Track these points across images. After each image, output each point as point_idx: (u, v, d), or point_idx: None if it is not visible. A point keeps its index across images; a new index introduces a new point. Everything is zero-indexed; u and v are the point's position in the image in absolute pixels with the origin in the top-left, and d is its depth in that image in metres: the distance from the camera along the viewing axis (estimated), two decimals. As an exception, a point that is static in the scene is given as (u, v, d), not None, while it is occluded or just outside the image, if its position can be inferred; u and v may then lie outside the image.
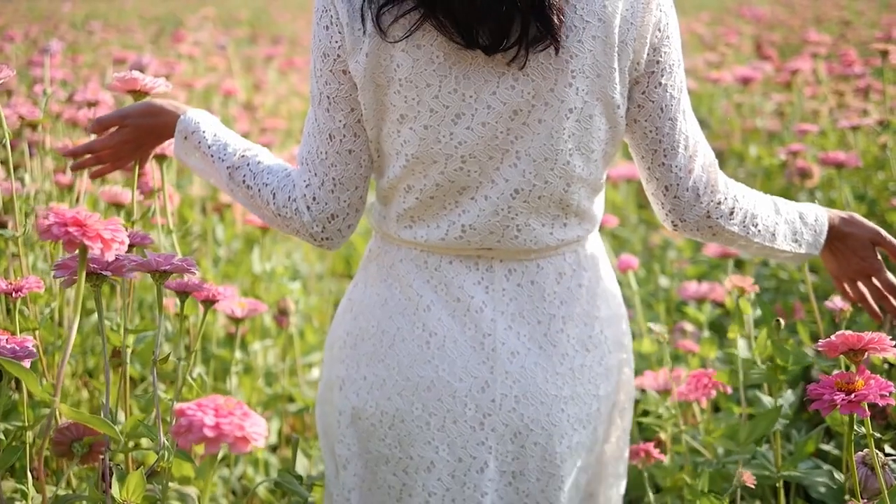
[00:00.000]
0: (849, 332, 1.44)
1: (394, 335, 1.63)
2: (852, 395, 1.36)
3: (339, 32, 1.51)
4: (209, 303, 1.77)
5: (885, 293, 1.75)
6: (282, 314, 2.29)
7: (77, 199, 2.35)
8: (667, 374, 1.99)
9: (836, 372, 1.58)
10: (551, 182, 1.54)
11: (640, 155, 1.61)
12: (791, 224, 1.69)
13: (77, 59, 5.44)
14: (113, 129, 1.74)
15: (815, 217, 1.71)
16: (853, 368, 1.48)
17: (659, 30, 1.52)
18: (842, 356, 1.58)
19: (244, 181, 1.64)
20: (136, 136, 1.73)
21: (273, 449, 2.73)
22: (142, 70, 3.69)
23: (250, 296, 2.76)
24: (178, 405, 1.08)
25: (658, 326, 1.77)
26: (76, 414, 1.29)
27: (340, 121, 1.55)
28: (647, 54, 1.52)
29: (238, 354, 2.70)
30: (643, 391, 2.19)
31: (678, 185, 1.59)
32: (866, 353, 1.45)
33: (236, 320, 2.23)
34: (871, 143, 3.63)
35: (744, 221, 1.64)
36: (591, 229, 1.65)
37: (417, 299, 1.62)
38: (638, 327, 2.59)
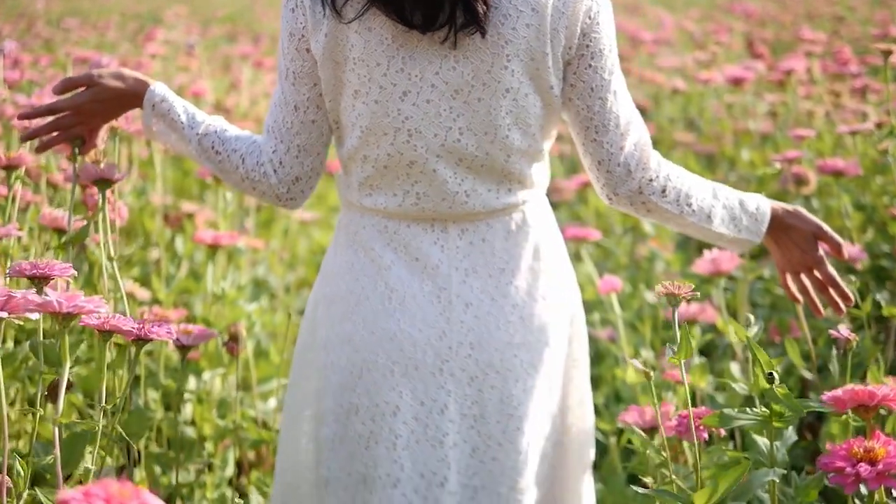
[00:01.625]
0: (859, 387, 1.25)
1: (359, 294, 1.77)
2: (879, 466, 1.15)
3: (303, 15, 1.69)
4: (141, 342, 1.58)
5: (826, 285, 1.86)
6: (232, 340, 2.09)
7: (8, 217, 2.16)
8: (653, 412, 1.80)
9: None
10: (492, 154, 1.70)
11: (575, 131, 1.76)
12: (730, 210, 1.80)
13: (45, 58, 5.21)
14: (80, 90, 1.82)
15: (756, 206, 1.82)
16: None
17: (589, 17, 1.68)
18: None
19: (213, 147, 1.81)
20: (104, 97, 1.81)
21: (229, 481, 2.54)
22: (101, 71, 3.49)
23: (210, 315, 2.55)
24: (62, 493, 0.89)
25: (638, 362, 1.57)
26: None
27: (304, 94, 1.73)
28: (578, 39, 1.68)
29: (192, 381, 2.50)
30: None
31: (609, 160, 1.74)
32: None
33: (183, 348, 2.04)
34: (868, 146, 3.44)
35: (678, 200, 1.76)
36: (537, 192, 1.79)
37: (379, 261, 1.76)
38: (622, 351, 2.41)
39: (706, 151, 4.41)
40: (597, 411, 2.34)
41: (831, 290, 1.87)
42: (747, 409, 1.70)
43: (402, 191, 1.73)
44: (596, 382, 2.80)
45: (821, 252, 1.86)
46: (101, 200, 1.92)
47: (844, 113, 3.81)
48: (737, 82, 3.88)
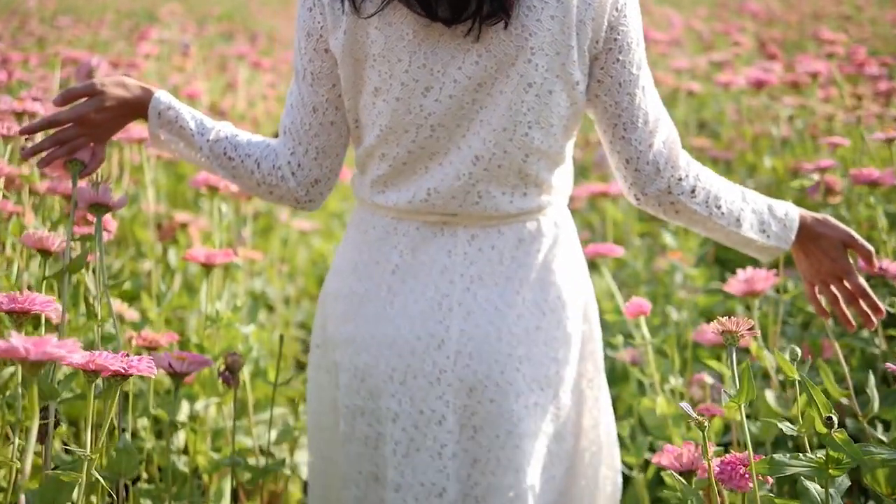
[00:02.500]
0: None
1: (362, 296, 1.74)
2: None
3: (321, 13, 1.64)
4: (120, 378, 1.41)
5: (856, 296, 1.80)
6: (228, 371, 1.92)
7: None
8: (691, 454, 1.63)
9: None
10: (510, 152, 1.65)
11: (602, 129, 1.71)
12: (759, 214, 1.75)
13: (34, 58, 5.03)
14: (81, 101, 1.74)
15: (784, 212, 1.77)
16: None
17: (616, 9, 1.63)
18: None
19: (225, 153, 1.76)
20: (107, 106, 1.74)
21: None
22: (91, 73, 3.31)
23: (204, 339, 2.38)
24: None
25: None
26: None
27: (323, 95, 1.69)
28: (605, 32, 1.63)
29: (185, 407, 2.33)
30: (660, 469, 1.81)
31: (638, 158, 1.69)
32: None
33: (176, 376, 1.86)
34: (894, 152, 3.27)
35: (706, 201, 1.72)
36: (553, 200, 1.73)
37: (385, 263, 1.72)
38: (650, 378, 2.24)
39: (721, 157, 4.23)
40: (621, 443, 2.17)
41: (861, 302, 1.81)
42: (800, 455, 1.55)
43: (415, 186, 1.68)
44: (618, 409, 2.63)
45: (850, 261, 1.80)
46: (96, 227, 1.75)
47: (867, 117, 3.64)
48: (758, 85, 3.70)
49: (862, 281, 1.80)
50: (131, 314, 2.28)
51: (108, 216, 2.24)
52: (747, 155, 4.12)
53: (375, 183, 1.72)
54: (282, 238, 3.77)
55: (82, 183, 1.78)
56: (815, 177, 2.32)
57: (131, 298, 3.07)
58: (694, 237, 3.21)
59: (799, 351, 1.70)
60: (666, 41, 6.01)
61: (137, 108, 1.78)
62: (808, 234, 1.79)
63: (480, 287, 1.70)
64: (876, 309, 1.82)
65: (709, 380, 2.18)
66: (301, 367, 3.46)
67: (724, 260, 3.51)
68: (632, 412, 2.53)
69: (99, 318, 1.80)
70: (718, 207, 1.73)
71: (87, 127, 1.75)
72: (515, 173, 1.67)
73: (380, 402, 1.71)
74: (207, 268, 2.09)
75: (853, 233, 1.80)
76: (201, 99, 4.18)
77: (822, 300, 1.87)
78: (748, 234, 1.76)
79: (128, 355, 1.62)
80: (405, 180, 1.69)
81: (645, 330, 2.13)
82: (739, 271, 2.11)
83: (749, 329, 1.33)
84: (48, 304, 1.35)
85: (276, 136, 1.83)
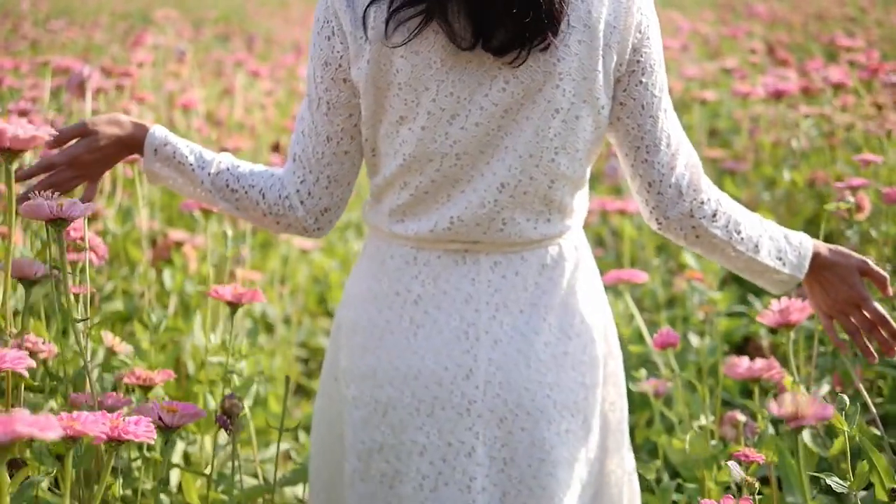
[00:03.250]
0: None
1: (383, 328, 1.68)
2: None
3: (342, 42, 1.60)
4: (115, 444, 1.28)
5: (875, 324, 1.76)
6: (226, 416, 1.78)
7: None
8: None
9: None
10: (536, 178, 1.62)
11: (623, 152, 1.70)
12: (776, 241, 1.74)
13: (25, 65, 4.88)
14: (73, 142, 1.71)
15: (799, 241, 1.76)
16: None
17: (640, 31, 1.61)
18: None
19: (227, 185, 1.72)
20: (104, 144, 1.71)
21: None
22: (83, 83, 3.17)
23: (200, 375, 2.24)
24: None
25: (737, 468, 1.27)
26: None
27: (339, 125, 1.65)
28: (629, 55, 1.61)
29: (179, 443, 2.19)
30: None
31: (661, 181, 1.67)
32: None
33: (165, 430, 1.70)
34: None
35: (727, 226, 1.70)
36: (574, 223, 1.71)
37: (406, 294, 1.67)
38: (679, 416, 2.10)
39: (738, 169, 4.09)
40: (648, 487, 2.05)
41: (882, 330, 1.77)
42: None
43: (437, 215, 1.64)
44: (635, 438, 2.50)
45: (867, 289, 1.78)
46: (59, 244, 1.58)
47: (887, 125, 3.51)
48: (777, 96, 3.57)
49: (880, 308, 1.77)
50: (123, 348, 2.13)
51: (98, 242, 2.12)
52: (764, 167, 3.98)
53: (394, 212, 1.67)
54: (282, 255, 3.64)
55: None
56: (851, 199, 2.19)
57: (124, 320, 2.94)
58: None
59: (847, 400, 1.59)
60: (677, 48, 5.86)
61: (132, 145, 1.75)
62: (822, 263, 1.77)
63: (506, 314, 1.66)
64: None
65: (741, 417, 2.05)
66: (302, 390, 3.33)
67: (740, 277, 3.37)
68: (653, 446, 2.40)
69: (85, 351, 1.68)
70: (738, 233, 1.71)
71: (80, 168, 1.72)
72: (541, 199, 1.64)
73: (403, 437, 1.66)
74: (234, 306, 1.94)
75: (868, 260, 1.78)
76: (197, 108, 4.04)
77: (839, 330, 1.84)
78: (766, 261, 1.73)
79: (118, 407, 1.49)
80: (426, 209, 1.65)
81: (673, 361, 2.00)
82: (773, 301, 1.98)
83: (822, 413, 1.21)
84: (20, 361, 1.22)
85: (275, 147, 1.72)
